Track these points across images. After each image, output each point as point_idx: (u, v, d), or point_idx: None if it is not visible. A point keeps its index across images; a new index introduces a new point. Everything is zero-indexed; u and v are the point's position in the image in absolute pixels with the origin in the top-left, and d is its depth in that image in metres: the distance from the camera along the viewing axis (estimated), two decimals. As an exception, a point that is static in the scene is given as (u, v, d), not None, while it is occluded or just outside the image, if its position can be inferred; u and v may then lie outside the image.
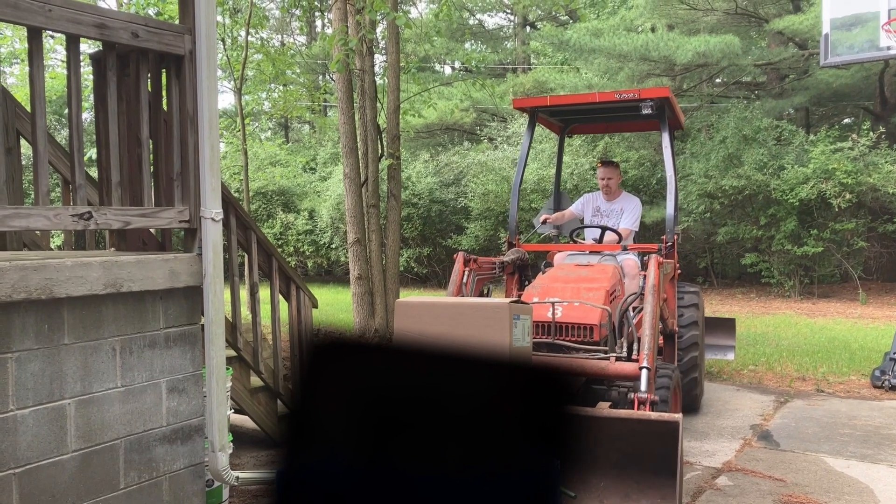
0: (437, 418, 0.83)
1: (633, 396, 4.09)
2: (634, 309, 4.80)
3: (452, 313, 4.32)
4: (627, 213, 5.91)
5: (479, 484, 0.82)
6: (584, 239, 6.16)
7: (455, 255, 5.10)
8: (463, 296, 4.96)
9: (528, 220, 16.10)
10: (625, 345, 4.67)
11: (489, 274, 5.37)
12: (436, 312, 4.42)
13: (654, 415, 3.72)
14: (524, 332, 4.14)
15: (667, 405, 4.33)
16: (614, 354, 4.45)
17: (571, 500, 3.56)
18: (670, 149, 5.84)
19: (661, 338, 5.48)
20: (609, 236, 5.74)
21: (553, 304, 4.60)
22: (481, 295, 5.26)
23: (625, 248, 5.60)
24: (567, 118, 6.69)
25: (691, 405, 5.80)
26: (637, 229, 5.96)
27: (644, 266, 5.02)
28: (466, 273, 5.04)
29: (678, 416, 3.68)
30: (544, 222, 6.05)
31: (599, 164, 6.21)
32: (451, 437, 0.82)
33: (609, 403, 4.35)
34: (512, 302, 3.98)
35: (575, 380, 4.54)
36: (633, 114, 5.83)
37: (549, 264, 5.91)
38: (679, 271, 6.05)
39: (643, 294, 4.63)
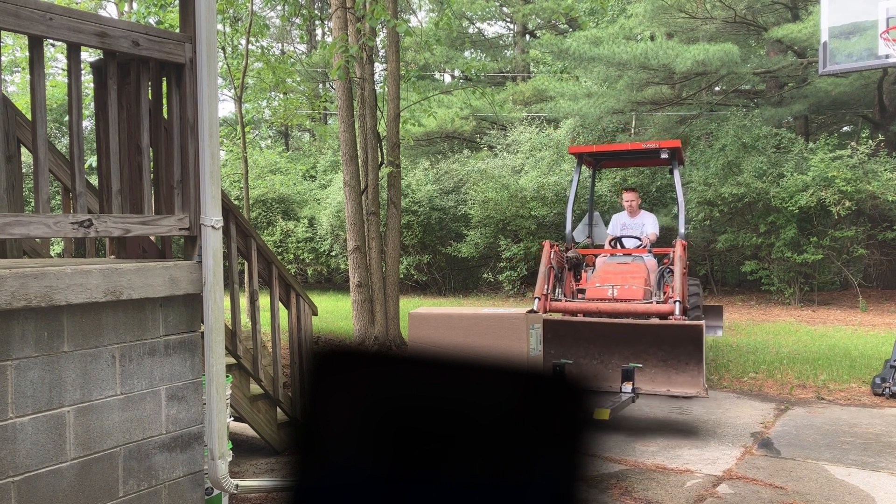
0: (456, 428, 0.83)
1: (671, 319, 6.20)
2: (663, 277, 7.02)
3: (469, 323, 4.57)
4: (649, 225, 8.01)
5: (495, 494, 0.82)
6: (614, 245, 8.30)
7: (543, 242, 7.50)
8: (552, 269, 7.23)
9: (528, 227, 16.12)
10: (661, 296, 6.90)
11: (560, 261, 7.58)
12: (452, 323, 4.64)
13: (686, 321, 5.88)
14: (537, 341, 4.44)
15: None
16: (655, 300, 6.78)
17: (570, 365, 5.46)
18: (679, 181, 7.97)
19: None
20: (634, 243, 7.88)
21: (612, 286, 6.87)
22: (561, 272, 7.54)
23: (649, 252, 7.58)
24: (601, 158, 8.90)
25: None
26: (658, 233, 7.96)
27: (658, 259, 7.58)
28: (553, 255, 7.29)
29: (702, 321, 5.80)
30: (591, 244, 8.44)
31: (624, 191, 8.35)
32: (470, 446, 0.82)
33: (658, 317, 6.47)
34: (528, 312, 4.31)
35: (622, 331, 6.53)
36: (652, 156, 8.13)
37: (588, 263, 7.98)
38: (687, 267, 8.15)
39: (672, 267, 6.98)
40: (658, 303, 6.52)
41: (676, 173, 7.88)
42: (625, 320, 6.36)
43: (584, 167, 8.91)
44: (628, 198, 8.09)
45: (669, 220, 14.11)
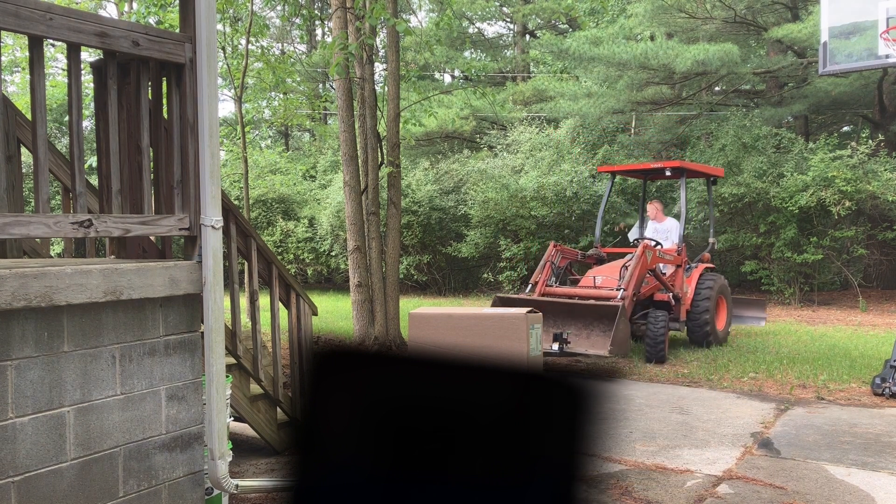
0: (455, 428, 0.83)
1: (613, 301, 7.61)
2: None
3: (469, 323, 4.64)
4: (673, 233, 9.52)
5: (495, 494, 0.82)
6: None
7: (549, 242, 9.18)
8: (551, 263, 8.62)
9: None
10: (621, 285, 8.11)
11: (572, 257, 9.18)
12: (452, 323, 4.69)
13: (613, 302, 7.55)
14: (537, 341, 4.50)
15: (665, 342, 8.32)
16: (615, 288, 8.01)
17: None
18: (684, 193, 9.75)
19: (674, 300, 8.88)
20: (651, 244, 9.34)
21: (597, 277, 8.47)
22: (568, 269, 9.19)
23: (660, 254, 8.86)
24: (648, 175, 10.61)
25: (707, 343, 9.16)
26: (679, 241, 9.36)
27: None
28: (554, 253, 8.71)
29: (620, 302, 7.42)
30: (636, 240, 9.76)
31: (649, 203, 10.07)
32: (470, 446, 0.82)
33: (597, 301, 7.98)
34: (528, 312, 4.37)
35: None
36: (663, 173, 9.75)
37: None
38: (690, 264, 9.63)
39: (628, 264, 8.34)
40: (616, 290, 7.93)
41: (683, 186, 9.75)
42: (572, 300, 7.93)
43: (644, 184, 11.01)
44: (653, 207, 9.85)
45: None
